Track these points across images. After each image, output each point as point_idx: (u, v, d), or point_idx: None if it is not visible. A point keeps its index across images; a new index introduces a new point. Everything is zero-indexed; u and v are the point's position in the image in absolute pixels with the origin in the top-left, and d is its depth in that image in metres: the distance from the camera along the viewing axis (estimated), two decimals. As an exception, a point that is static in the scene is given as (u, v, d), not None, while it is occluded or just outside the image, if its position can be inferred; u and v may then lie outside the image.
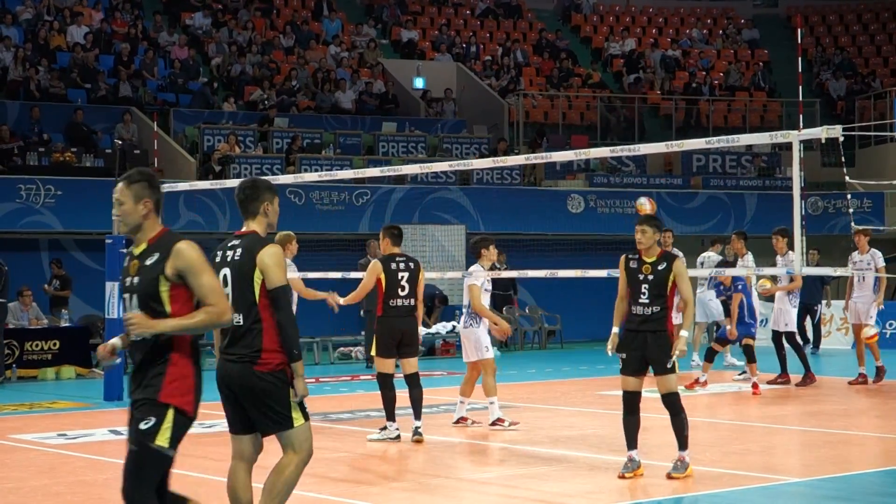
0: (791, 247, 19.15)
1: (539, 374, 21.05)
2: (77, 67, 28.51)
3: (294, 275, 13.99)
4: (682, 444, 10.54)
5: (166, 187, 17.61)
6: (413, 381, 12.88)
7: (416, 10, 36.93)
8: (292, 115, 29.50)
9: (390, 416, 12.87)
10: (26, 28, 29.69)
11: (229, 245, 7.49)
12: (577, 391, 18.32)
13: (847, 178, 11.63)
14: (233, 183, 19.19)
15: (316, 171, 25.54)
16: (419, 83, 33.24)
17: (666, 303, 10.47)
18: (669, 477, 10.47)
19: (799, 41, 11.35)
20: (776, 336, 18.51)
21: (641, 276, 10.51)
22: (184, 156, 26.60)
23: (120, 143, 24.87)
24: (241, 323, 7.27)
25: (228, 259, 7.41)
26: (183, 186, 19.45)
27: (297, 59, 31.80)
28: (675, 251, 10.08)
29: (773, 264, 17.97)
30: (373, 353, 13.08)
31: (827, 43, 39.41)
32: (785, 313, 18.26)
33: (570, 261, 19.97)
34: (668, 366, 10.49)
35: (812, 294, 25.47)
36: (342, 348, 23.82)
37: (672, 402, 10.60)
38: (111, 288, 17.45)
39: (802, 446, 12.96)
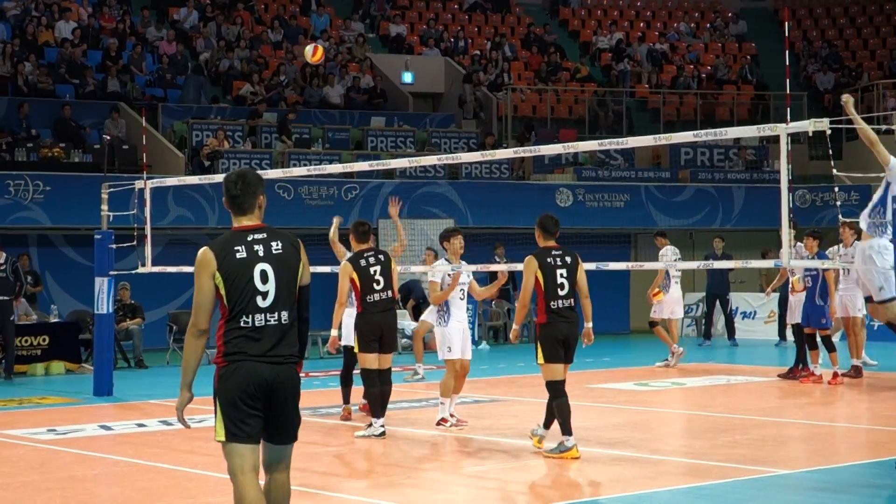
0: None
1: (528, 367, 21.03)
2: (65, 63, 28.46)
3: None
4: (547, 424, 11.63)
5: (155, 183, 17.64)
6: (386, 378, 12.82)
7: (405, 5, 36.89)
8: (281, 109, 29.47)
9: (376, 413, 12.83)
10: (14, 23, 29.62)
11: (254, 239, 6.92)
12: (566, 384, 18.32)
13: (835, 170, 11.62)
14: (222, 178, 19.21)
15: (304, 166, 25.54)
16: (408, 78, 33.24)
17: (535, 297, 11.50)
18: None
19: (786, 34, 11.33)
20: (797, 328, 18.20)
21: None
22: (172, 151, 26.58)
23: (108, 138, 24.84)
24: (287, 321, 6.88)
25: (262, 254, 6.87)
26: (172, 182, 19.43)
27: (285, 54, 31.78)
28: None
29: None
30: (355, 349, 12.99)
31: (814, 36, 39.50)
32: (799, 305, 17.94)
33: (558, 254, 19.95)
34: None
35: (720, 284, 25.55)
36: (331, 343, 23.79)
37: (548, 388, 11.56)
38: (100, 283, 17.43)
39: (790, 438, 13.00)
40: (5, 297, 19.57)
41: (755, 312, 26.99)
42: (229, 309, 6.83)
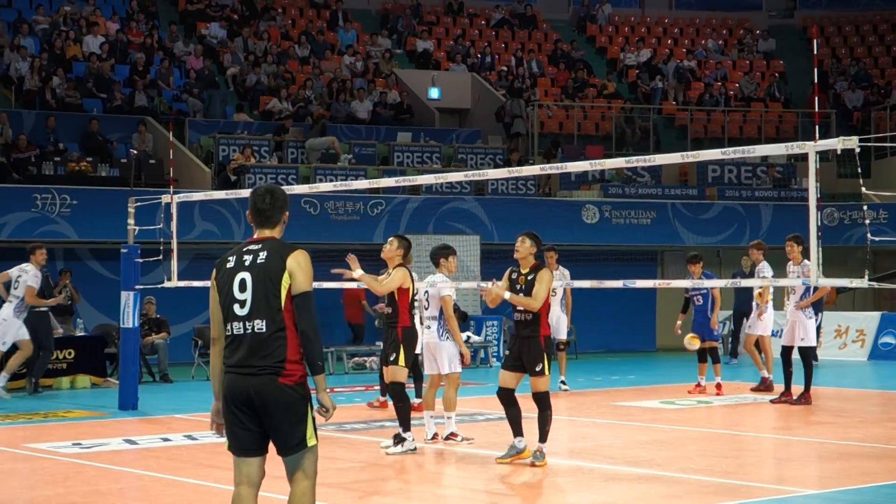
0: (806, 255, 19.05)
1: (553, 384, 20.90)
2: (93, 77, 28.59)
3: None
4: (543, 437, 11.89)
5: (181, 197, 17.67)
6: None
7: (432, 21, 36.95)
8: (307, 124, 29.52)
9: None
10: (42, 38, 29.79)
11: (245, 249, 7.03)
12: (591, 402, 18.28)
13: (863, 189, 11.55)
14: (248, 193, 19.23)
15: (331, 181, 25.56)
16: (434, 93, 33.27)
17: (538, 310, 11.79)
18: (532, 465, 11.74)
19: (814, 52, 11.35)
20: (786, 351, 17.80)
21: (518, 286, 11.89)
22: (199, 166, 26.64)
23: (135, 152, 24.91)
24: (264, 330, 6.82)
25: (247, 263, 6.93)
26: (198, 196, 19.47)
27: (311, 70, 31.85)
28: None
29: (786, 275, 17.59)
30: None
31: (843, 54, 39.34)
32: (801, 325, 17.44)
33: (584, 271, 19.88)
34: (537, 369, 11.77)
35: (747, 302, 25.31)
36: (356, 358, 23.79)
37: (540, 399, 11.91)
38: (126, 297, 17.45)
39: (817, 458, 12.90)
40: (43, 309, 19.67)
41: (782, 330, 26.79)
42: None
